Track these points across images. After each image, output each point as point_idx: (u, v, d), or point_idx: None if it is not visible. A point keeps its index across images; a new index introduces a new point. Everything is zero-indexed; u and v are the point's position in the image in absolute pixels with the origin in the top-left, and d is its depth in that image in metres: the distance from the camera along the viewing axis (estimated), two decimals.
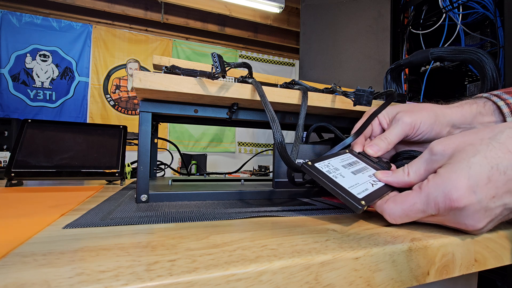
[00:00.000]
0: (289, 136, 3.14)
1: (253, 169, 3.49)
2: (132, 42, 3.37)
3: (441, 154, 0.26)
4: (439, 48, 0.48)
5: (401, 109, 0.35)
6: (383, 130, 0.37)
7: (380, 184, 0.30)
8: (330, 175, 0.29)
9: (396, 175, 0.29)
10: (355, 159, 0.33)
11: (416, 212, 0.25)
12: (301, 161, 0.45)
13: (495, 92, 0.34)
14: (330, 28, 1.55)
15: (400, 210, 0.26)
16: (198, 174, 1.56)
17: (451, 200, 0.23)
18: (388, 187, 0.30)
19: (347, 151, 0.35)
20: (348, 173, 0.30)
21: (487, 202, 0.23)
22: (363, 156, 0.34)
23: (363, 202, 0.26)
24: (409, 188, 0.28)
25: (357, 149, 0.35)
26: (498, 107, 0.32)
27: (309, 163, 0.30)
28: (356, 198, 0.26)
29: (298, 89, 0.41)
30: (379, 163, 0.33)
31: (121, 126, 0.66)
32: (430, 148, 0.27)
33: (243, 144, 3.87)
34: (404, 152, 0.36)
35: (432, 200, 0.24)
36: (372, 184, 0.29)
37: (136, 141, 0.70)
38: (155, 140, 0.68)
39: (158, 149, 0.72)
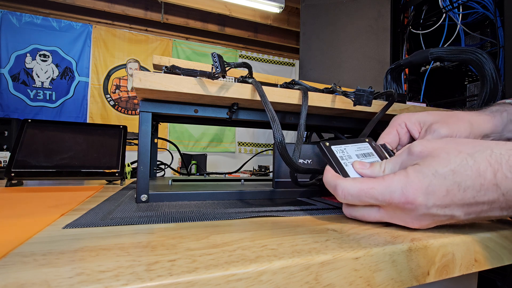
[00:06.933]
0: (289, 136, 3.14)
1: (253, 169, 3.49)
2: (132, 42, 3.37)
3: (417, 155, 0.26)
4: (438, 48, 0.48)
5: (436, 120, 0.34)
6: (412, 139, 0.36)
7: None
8: (342, 162, 0.29)
9: (373, 170, 0.29)
10: (371, 150, 0.33)
11: (369, 197, 0.26)
12: (301, 161, 0.45)
13: None
14: (330, 28, 1.54)
15: (357, 189, 0.26)
16: (198, 174, 1.56)
17: (407, 199, 0.24)
18: None
19: (366, 140, 0.35)
20: None
21: (436, 210, 0.24)
22: (380, 149, 0.34)
23: None
24: None
25: (380, 141, 0.35)
26: None
27: (327, 144, 0.30)
28: None
29: (298, 89, 0.41)
30: None
31: (121, 126, 0.66)
32: (409, 148, 0.27)
33: (243, 144, 3.87)
34: None
35: (389, 192, 0.25)
36: None
37: (136, 141, 0.70)
38: (155, 140, 0.68)
39: (158, 149, 0.72)
